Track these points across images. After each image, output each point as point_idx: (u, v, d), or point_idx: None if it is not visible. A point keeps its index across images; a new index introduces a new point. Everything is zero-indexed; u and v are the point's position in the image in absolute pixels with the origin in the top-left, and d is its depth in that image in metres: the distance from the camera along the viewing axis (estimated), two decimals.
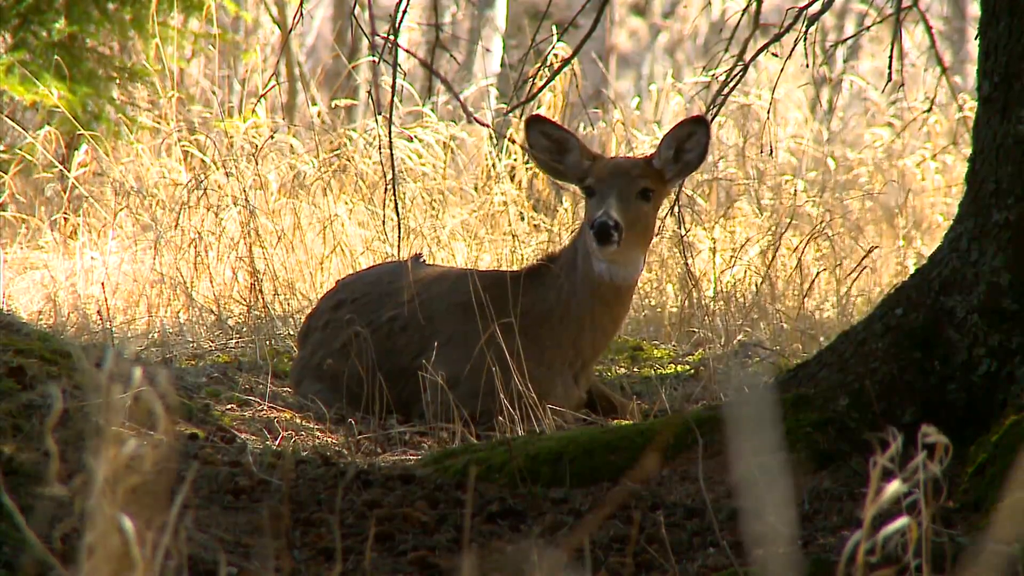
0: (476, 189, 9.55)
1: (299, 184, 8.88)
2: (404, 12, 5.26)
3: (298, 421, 5.63)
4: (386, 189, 5.78)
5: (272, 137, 9.33)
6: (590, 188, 5.52)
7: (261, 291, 7.44)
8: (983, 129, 4.38)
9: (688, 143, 5.52)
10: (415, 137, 9.47)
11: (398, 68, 5.20)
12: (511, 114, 9.70)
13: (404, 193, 8.75)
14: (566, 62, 5.92)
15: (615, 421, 5.68)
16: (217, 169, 8.46)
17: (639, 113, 12.03)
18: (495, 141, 9.54)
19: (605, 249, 5.40)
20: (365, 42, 12.56)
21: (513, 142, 9.58)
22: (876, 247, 8.04)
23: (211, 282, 7.77)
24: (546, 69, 6.17)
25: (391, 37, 5.11)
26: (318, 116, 11.06)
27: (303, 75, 13.42)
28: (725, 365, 6.59)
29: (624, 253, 5.47)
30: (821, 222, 8.38)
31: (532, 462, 4.51)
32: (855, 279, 7.67)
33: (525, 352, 5.55)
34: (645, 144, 10.12)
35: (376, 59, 5.19)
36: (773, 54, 5.89)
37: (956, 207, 4.50)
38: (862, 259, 7.39)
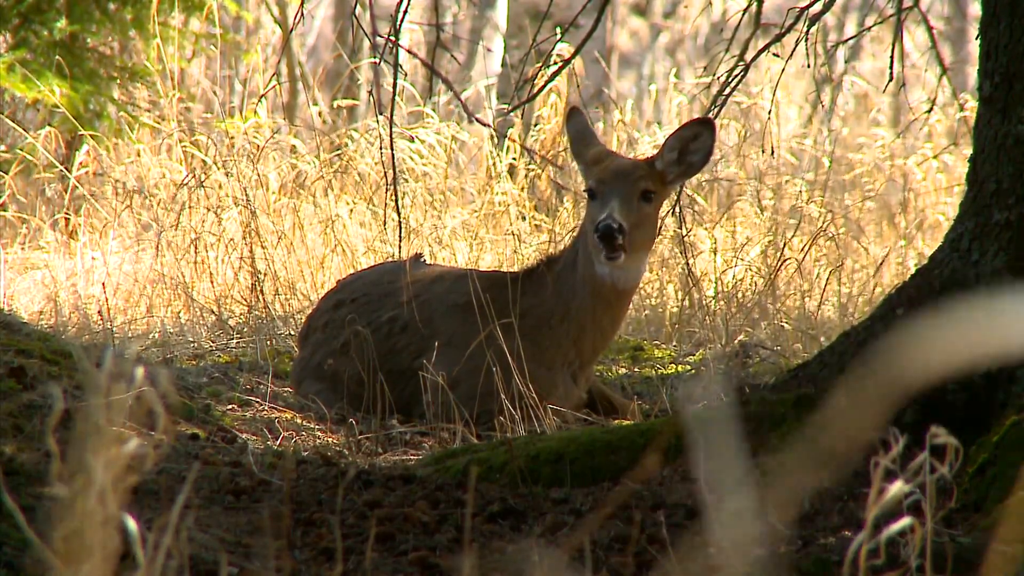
0: (477, 190, 9.56)
1: (300, 184, 8.88)
2: (405, 12, 5.26)
3: (299, 421, 5.64)
4: (387, 189, 5.79)
5: (274, 137, 9.33)
6: (591, 190, 5.51)
7: (262, 291, 7.44)
8: (984, 129, 4.38)
9: (693, 145, 5.51)
10: (416, 137, 9.47)
11: (399, 68, 5.20)
12: (512, 114, 9.70)
13: (405, 193, 8.75)
14: (567, 62, 5.92)
15: (616, 421, 5.68)
16: (218, 169, 8.46)
17: (637, 114, 12.03)
18: (496, 141, 9.54)
19: (608, 252, 5.39)
20: (366, 42, 12.56)
21: (514, 142, 9.58)
22: (890, 250, 8.05)
23: (212, 282, 7.78)
24: (547, 69, 6.17)
25: (392, 37, 5.11)
26: (319, 116, 11.06)
27: (304, 75, 13.42)
28: (726, 365, 6.59)
29: (627, 256, 5.47)
30: (823, 223, 8.38)
31: (533, 462, 4.51)
32: (857, 278, 7.67)
33: (525, 353, 5.55)
34: (646, 144, 10.12)
35: (377, 59, 5.19)
36: (774, 54, 5.89)
37: (957, 207, 4.51)
38: (881, 262, 7.39)
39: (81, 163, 9.29)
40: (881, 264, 7.47)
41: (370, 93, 5.75)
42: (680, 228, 6.65)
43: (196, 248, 7.90)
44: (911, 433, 4.06)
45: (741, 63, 5.81)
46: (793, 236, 8.27)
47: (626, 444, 4.49)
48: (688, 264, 7.16)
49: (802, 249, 7.78)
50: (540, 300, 5.63)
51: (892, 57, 5.71)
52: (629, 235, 5.39)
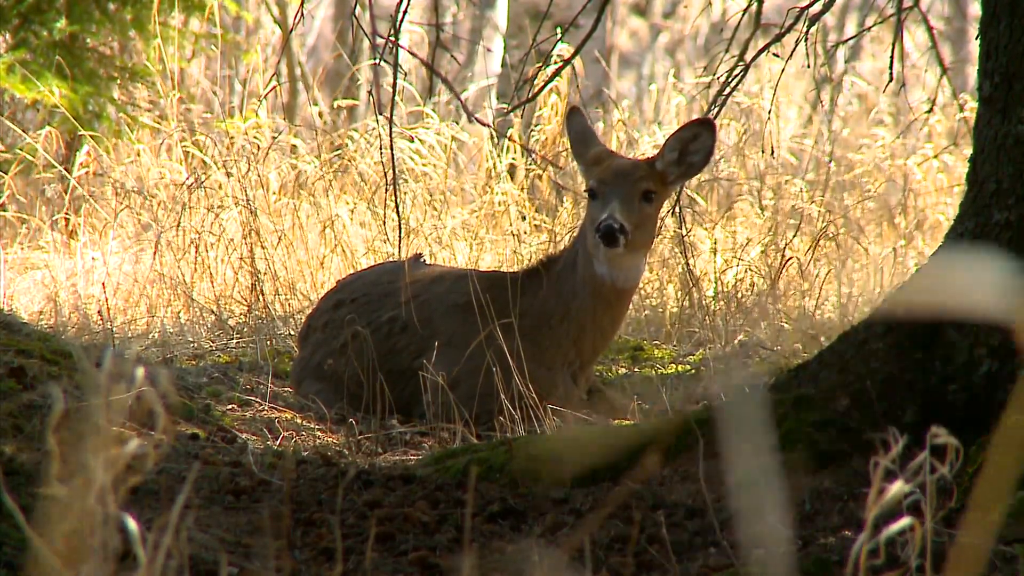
0: (476, 189, 9.56)
1: (300, 184, 8.88)
2: (405, 12, 5.26)
3: (299, 421, 5.64)
4: (387, 189, 5.79)
5: (276, 139, 9.33)
6: (592, 190, 5.52)
7: (262, 291, 7.44)
8: (984, 129, 4.38)
9: (693, 145, 5.51)
10: (416, 137, 9.47)
11: (399, 68, 5.19)
12: (512, 114, 9.70)
13: (405, 193, 8.75)
14: (567, 62, 5.92)
15: (616, 421, 5.68)
16: (218, 169, 8.46)
17: (637, 114, 12.02)
18: (496, 141, 9.53)
19: (609, 252, 5.40)
20: (366, 42, 12.56)
21: (514, 142, 9.58)
22: (895, 252, 8.04)
23: (212, 282, 7.78)
24: (547, 69, 6.17)
25: (392, 37, 5.11)
26: (319, 116, 11.06)
27: (304, 75, 13.42)
28: (726, 365, 6.59)
29: (627, 256, 5.47)
30: (824, 223, 8.38)
31: (533, 462, 4.51)
32: (857, 278, 7.67)
33: (525, 353, 5.55)
34: (646, 144, 10.11)
35: (377, 59, 5.18)
36: (774, 54, 5.89)
37: (957, 207, 4.50)
38: (893, 264, 7.37)
39: (82, 163, 9.29)
40: (895, 262, 7.47)
41: (370, 93, 5.75)
42: (680, 228, 6.65)
43: (196, 248, 7.90)
44: (911, 433, 4.06)
45: (741, 63, 5.81)
46: (794, 237, 8.27)
47: (626, 444, 4.49)
48: (688, 264, 7.16)
49: (806, 252, 7.78)
50: (540, 300, 5.64)
51: (892, 57, 5.71)
52: (630, 235, 5.39)
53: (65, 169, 9.33)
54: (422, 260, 6.09)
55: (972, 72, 15.18)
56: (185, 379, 5.94)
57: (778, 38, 5.73)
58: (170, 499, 3.89)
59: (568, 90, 9.95)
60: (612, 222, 5.35)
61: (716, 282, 7.84)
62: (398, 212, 5.53)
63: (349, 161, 9.18)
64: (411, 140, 9.45)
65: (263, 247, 7.75)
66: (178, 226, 8.12)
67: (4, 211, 9.41)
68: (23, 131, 9.93)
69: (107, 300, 7.17)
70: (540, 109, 9.96)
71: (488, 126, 5.64)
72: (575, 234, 5.75)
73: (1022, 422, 3.83)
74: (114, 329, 7.02)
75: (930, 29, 6.01)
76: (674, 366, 6.83)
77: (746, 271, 8.03)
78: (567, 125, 5.73)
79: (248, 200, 7.92)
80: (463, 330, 5.64)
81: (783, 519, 3.82)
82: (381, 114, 5.78)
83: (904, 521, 2.68)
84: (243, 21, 14.33)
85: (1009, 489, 3.91)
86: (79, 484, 2.53)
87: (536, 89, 6.02)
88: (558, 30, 10.43)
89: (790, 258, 7.68)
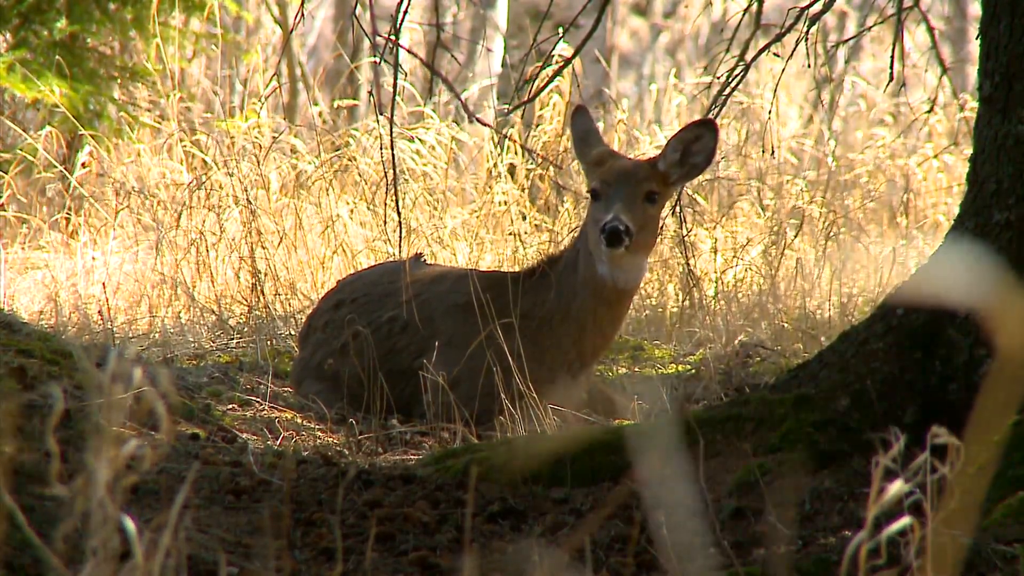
0: (477, 189, 9.56)
1: (300, 184, 8.88)
2: (405, 12, 5.26)
3: (299, 421, 5.64)
4: (387, 189, 5.79)
5: (276, 140, 9.33)
6: (595, 191, 5.51)
7: (262, 291, 7.44)
8: (984, 129, 4.38)
9: (695, 146, 5.50)
10: (416, 137, 9.47)
11: (399, 68, 5.19)
12: (512, 114, 9.70)
13: (405, 193, 8.75)
14: (567, 62, 5.92)
15: (616, 421, 5.68)
16: (219, 169, 8.46)
17: (637, 114, 12.02)
18: (496, 141, 9.53)
19: (613, 252, 5.39)
20: (367, 42, 12.56)
21: (514, 142, 9.58)
22: (898, 246, 8.04)
23: (212, 282, 7.78)
24: (547, 69, 6.17)
25: (392, 37, 5.11)
26: (319, 116, 11.06)
27: (304, 75, 13.42)
28: (725, 365, 6.59)
29: (629, 256, 5.46)
30: (826, 223, 8.38)
31: (533, 462, 4.51)
32: (856, 278, 7.66)
33: (525, 352, 5.55)
34: (646, 144, 10.11)
35: (377, 59, 5.18)
36: (775, 54, 5.89)
37: (957, 207, 4.51)
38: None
39: (82, 163, 9.30)
40: (895, 262, 7.46)
41: (370, 93, 5.75)
42: (680, 228, 6.65)
43: (197, 248, 7.90)
44: (911, 433, 4.06)
45: (741, 63, 5.81)
46: (796, 237, 8.27)
47: (626, 444, 4.49)
48: (688, 264, 7.16)
49: (816, 255, 7.77)
50: (541, 300, 5.63)
51: (892, 57, 5.71)
52: (634, 236, 5.39)
53: (65, 169, 9.34)
54: (422, 260, 6.09)
55: (972, 72, 15.18)
56: (185, 379, 5.94)
57: (778, 38, 5.73)
58: (170, 499, 3.89)
59: (569, 90, 9.95)
60: (617, 223, 5.34)
61: (716, 282, 7.84)
62: (398, 212, 5.53)
63: (349, 161, 9.18)
64: (411, 140, 9.45)
65: (264, 247, 7.75)
66: (178, 226, 8.12)
67: (4, 211, 9.41)
68: (23, 131, 9.93)
69: (107, 300, 7.17)
70: (541, 109, 9.96)
71: (489, 126, 5.64)
72: (576, 234, 5.75)
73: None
74: (114, 329, 7.02)
75: (930, 29, 6.01)
76: (674, 366, 6.83)
77: (746, 271, 8.03)
78: (571, 124, 5.73)
79: (249, 200, 7.92)
80: (463, 330, 5.64)
81: (783, 519, 3.82)
82: (381, 114, 5.78)
83: (904, 521, 2.68)
84: (243, 21, 14.33)
85: (1009, 486, 3.92)
86: (79, 484, 2.53)
87: (536, 89, 6.02)
88: (558, 30, 10.43)
89: (797, 258, 7.68)
